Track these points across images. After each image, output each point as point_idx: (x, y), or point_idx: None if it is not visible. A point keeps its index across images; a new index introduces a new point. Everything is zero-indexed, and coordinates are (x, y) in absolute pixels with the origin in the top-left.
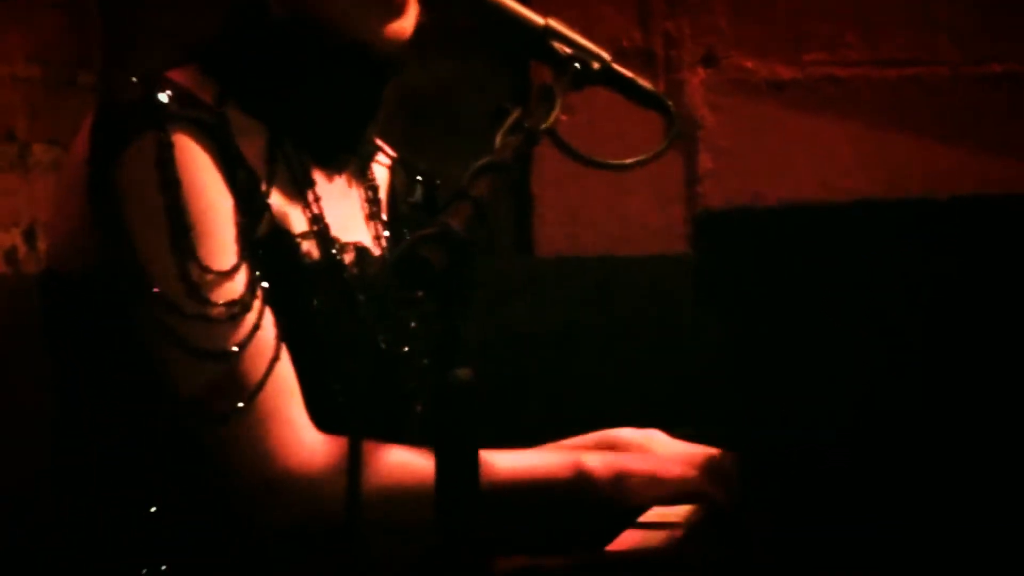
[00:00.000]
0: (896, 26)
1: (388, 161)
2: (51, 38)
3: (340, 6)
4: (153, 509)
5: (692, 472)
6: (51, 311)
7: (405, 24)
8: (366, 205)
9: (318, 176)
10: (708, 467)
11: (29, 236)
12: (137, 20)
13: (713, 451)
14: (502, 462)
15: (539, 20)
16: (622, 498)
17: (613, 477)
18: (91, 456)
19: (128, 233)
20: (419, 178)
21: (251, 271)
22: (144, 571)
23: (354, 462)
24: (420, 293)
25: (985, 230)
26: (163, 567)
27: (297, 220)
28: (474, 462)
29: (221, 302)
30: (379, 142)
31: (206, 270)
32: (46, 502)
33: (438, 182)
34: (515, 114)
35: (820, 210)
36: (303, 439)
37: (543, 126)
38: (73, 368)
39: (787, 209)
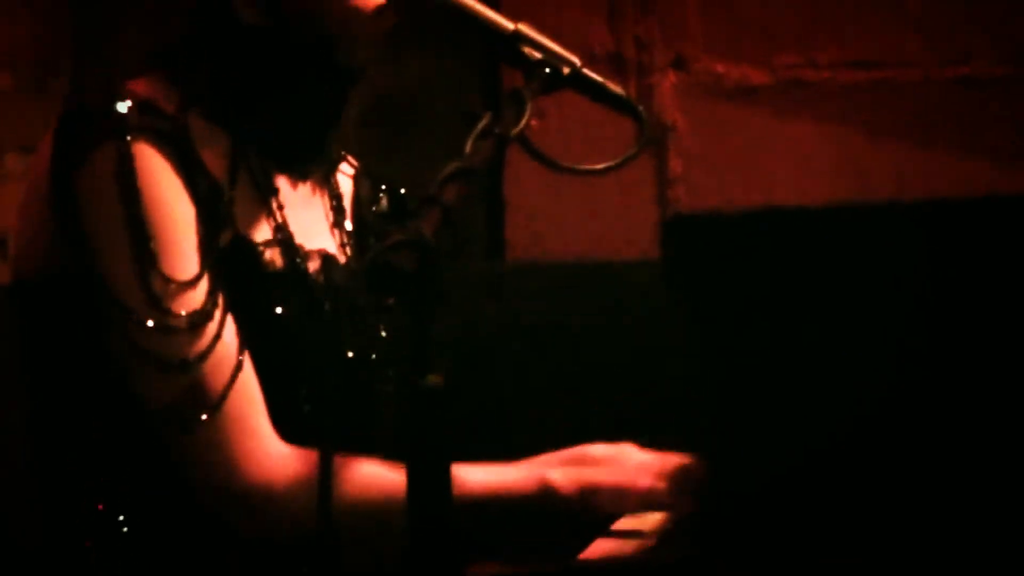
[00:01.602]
0: (866, 29)
1: (352, 171)
2: (21, 44)
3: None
4: (121, 517)
5: (660, 484)
6: (19, 320)
7: (379, 17)
8: (331, 213)
9: (282, 183)
10: (677, 477)
11: (1, 246)
12: (108, 26)
13: (683, 460)
14: (469, 477)
15: (509, 25)
16: (589, 512)
17: (579, 491)
18: (63, 462)
19: (89, 243)
20: (383, 187)
21: (213, 280)
22: None
23: (323, 474)
24: (390, 300)
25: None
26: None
27: (261, 228)
28: (446, 470)
29: (183, 312)
30: (344, 152)
31: (167, 280)
32: (22, 508)
33: (403, 191)
34: (485, 119)
35: (791, 214)
36: (268, 450)
37: (513, 131)
38: (43, 376)
39: (757, 213)
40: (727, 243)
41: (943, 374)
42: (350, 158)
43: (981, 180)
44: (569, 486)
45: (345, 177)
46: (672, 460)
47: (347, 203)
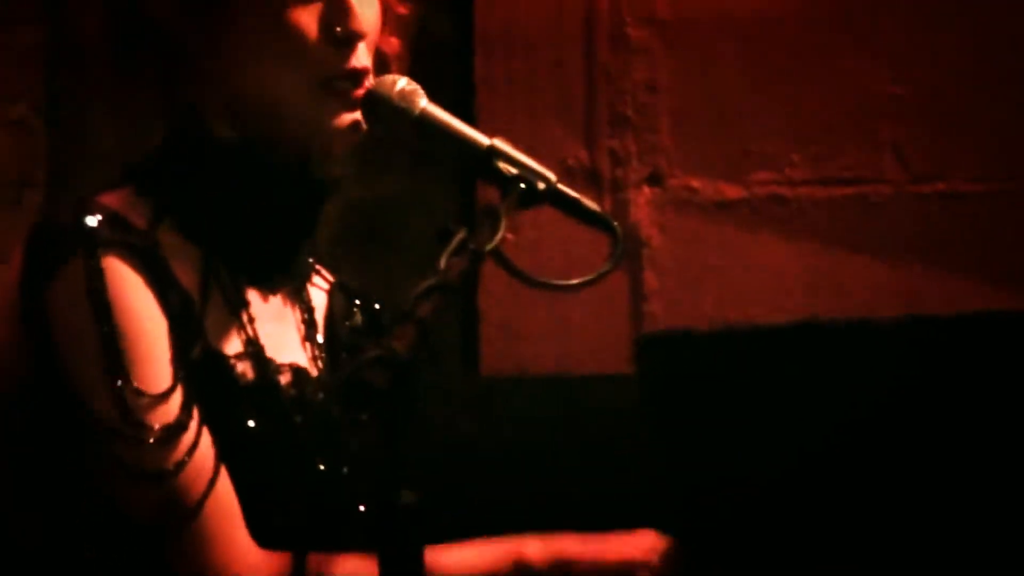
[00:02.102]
0: (840, 145)
1: (326, 285)
2: None
3: (291, 114)
4: None
5: (634, 552)
6: None
7: (353, 128)
8: (302, 326)
9: (253, 296)
10: (650, 547)
11: None
12: (83, 140)
13: (658, 537)
14: (442, 560)
15: (484, 140)
16: None
17: (553, 564)
18: (46, 565)
19: (61, 358)
20: (357, 302)
21: (186, 393)
22: None
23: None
24: (364, 416)
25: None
26: None
27: (232, 341)
28: None
29: (157, 425)
30: (318, 266)
31: (140, 393)
32: None
33: (377, 306)
34: (460, 235)
35: (765, 332)
36: (245, 559)
37: (488, 247)
38: (22, 483)
39: (732, 331)
40: (701, 360)
41: (914, 488)
42: (324, 271)
43: (958, 296)
44: (544, 560)
45: (319, 290)
46: (648, 537)
47: (320, 316)
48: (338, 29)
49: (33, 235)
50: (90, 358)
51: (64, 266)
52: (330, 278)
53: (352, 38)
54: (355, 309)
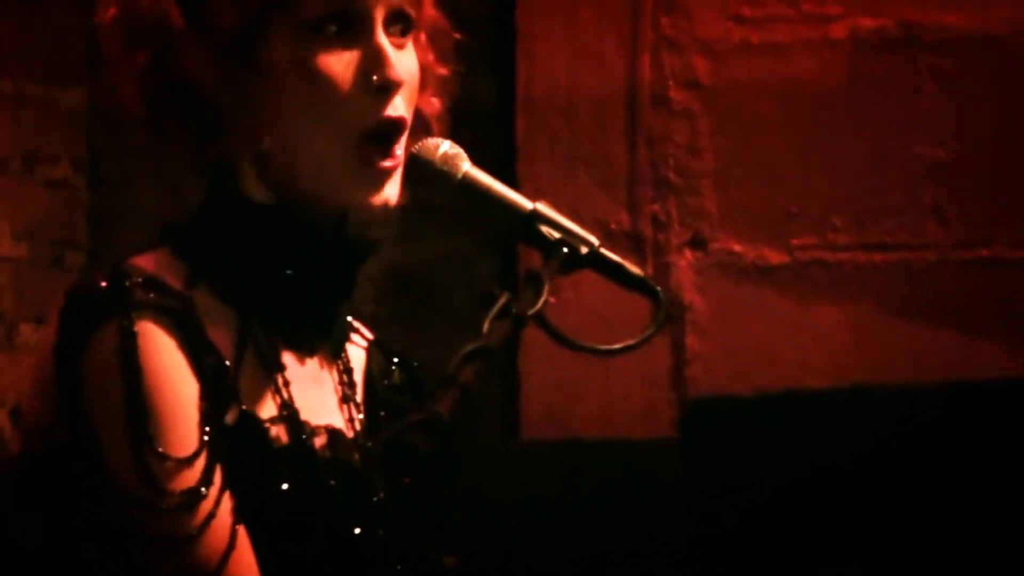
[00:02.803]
0: (884, 210)
1: (364, 343)
2: (38, 217)
3: (327, 174)
4: None
5: None
6: (26, 489)
7: (391, 192)
8: (339, 388)
9: (289, 359)
10: None
11: (15, 415)
12: (124, 200)
13: None
14: None
15: (527, 204)
16: None
17: None
18: None
19: (89, 421)
20: (396, 360)
21: (211, 457)
22: None
23: None
24: (407, 480)
25: (976, 415)
26: None
27: (267, 404)
28: None
29: (177, 490)
30: (356, 323)
31: (163, 458)
32: None
33: (416, 364)
34: (502, 299)
35: (808, 398)
36: None
37: (531, 312)
38: (51, 544)
39: (774, 396)
40: (745, 425)
41: (959, 548)
42: (363, 329)
43: (1001, 362)
44: None
45: (357, 348)
46: None
47: (358, 376)
48: (375, 78)
49: (69, 299)
50: (117, 420)
51: (99, 330)
52: (368, 335)
53: (388, 87)
54: (393, 367)
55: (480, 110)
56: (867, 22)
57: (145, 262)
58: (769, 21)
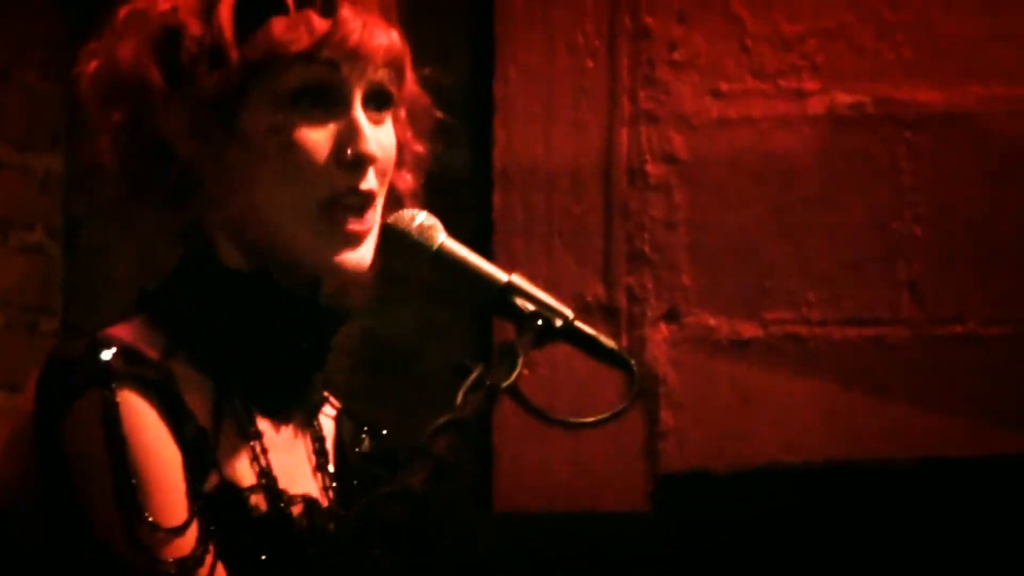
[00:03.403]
0: (858, 285)
1: (333, 412)
2: (13, 283)
3: (298, 238)
4: None
5: None
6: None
7: (364, 255)
8: (313, 456)
9: (265, 426)
10: None
11: None
12: (99, 266)
13: None
14: None
15: (502, 276)
16: None
17: None
18: None
19: (76, 492)
20: (365, 428)
21: (202, 526)
22: None
23: None
24: (377, 551)
25: (950, 492)
26: None
27: (245, 473)
28: None
29: (171, 559)
30: (325, 393)
31: (155, 528)
32: None
33: (385, 432)
34: (476, 371)
35: (781, 473)
36: None
37: (505, 384)
38: None
39: (748, 471)
40: (718, 499)
41: None
42: (332, 398)
43: (976, 439)
44: None
45: (327, 418)
46: None
47: (329, 444)
48: (348, 151)
49: (48, 368)
50: (106, 492)
51: (79, 400)
52: (336, 404)
53: (362, 161)
54: (363, 435)
55: (456, 180)
56: (844, 98)
57: (123, 332)
58: (747, 96)
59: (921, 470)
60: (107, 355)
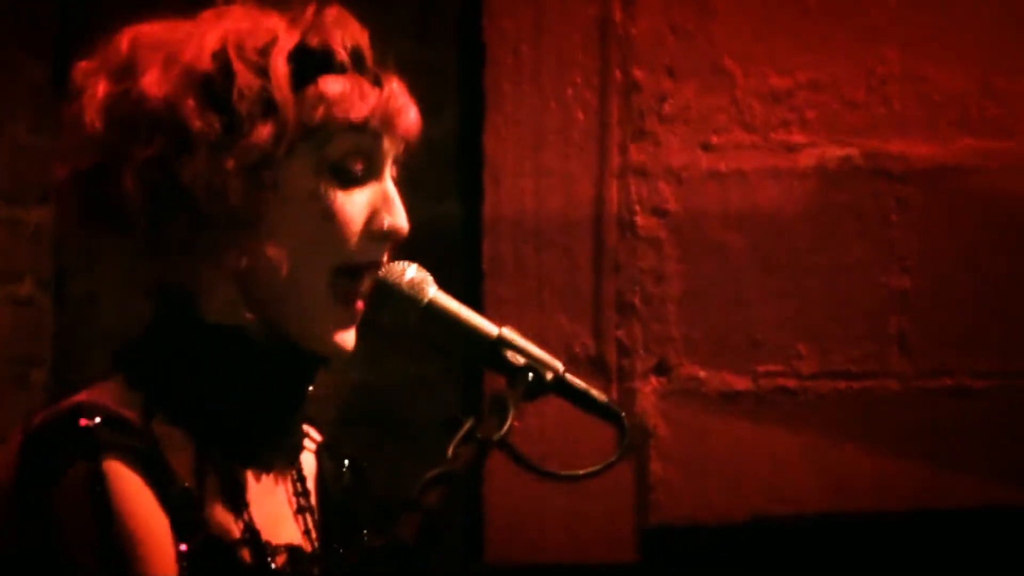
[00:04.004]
0: (848, 339)
1: (313, 446)
2: (2, 335)
3: (308, 305)
4: None
5: None
6: None
7: (353, 335)
8: (294, 499)
9: (247, 476)
10: None
11: None
12: (89, 318)
13: None
14: None
15: (492, 329)
16: None
17: None
18: None
19: (63, 562)
20: (346, 462)
21: None
22: None
23: None
24: None
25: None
26: None
27: (230, 528)
28: None
29: None
30: (305, 426)
31: None
32: None
33: (365, 464)
34: (467, 424)
35: (770, 525)
36: None
37: (496, 436)
38: None
39: (736, 525)
40: (708, 552)
41: None
42: (312, 431)
43: (965, 491)
44: None
45: (308, 453)
46: None
47: (311, 483)
48: (385, 224)
49: (33, 440)
50: (94, 563)
51: (65, 473)
52: (317, 437)
53: (395, 235)
54: (344, 469)
55: (446, 233)
56: (833, 151)
57: (103, 396)
58: (736, 149)
59: (911, 522)
60: (92, 425)
